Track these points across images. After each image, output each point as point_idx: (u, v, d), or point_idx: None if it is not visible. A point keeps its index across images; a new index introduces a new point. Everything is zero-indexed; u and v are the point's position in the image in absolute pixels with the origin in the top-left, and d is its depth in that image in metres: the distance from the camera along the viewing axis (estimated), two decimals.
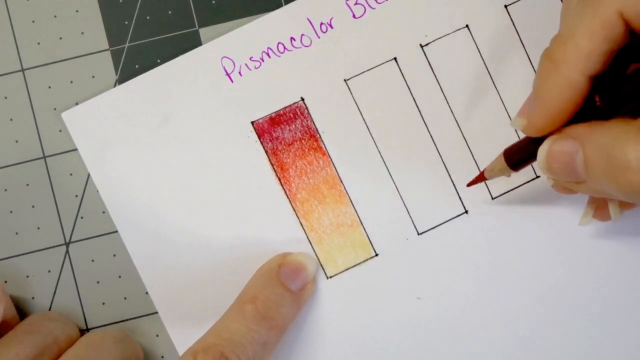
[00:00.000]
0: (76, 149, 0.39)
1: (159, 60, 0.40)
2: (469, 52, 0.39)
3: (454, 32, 0.39)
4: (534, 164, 0.33)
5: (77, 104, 0.40)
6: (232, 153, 0.39)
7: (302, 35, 0.39)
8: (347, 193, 0.39)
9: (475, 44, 0.39)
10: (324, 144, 0.39)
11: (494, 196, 0.39)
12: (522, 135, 0.34)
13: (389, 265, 0.39)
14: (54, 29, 0.40)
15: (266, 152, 0.39)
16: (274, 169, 0.39)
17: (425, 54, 0.39)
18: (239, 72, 0.39)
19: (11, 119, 0.40)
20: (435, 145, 0.39)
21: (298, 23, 0.39)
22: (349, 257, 0.39)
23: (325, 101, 0.39)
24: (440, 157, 0.39)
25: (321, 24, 0.39)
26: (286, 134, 0.39)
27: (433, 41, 0.39)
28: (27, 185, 0.40)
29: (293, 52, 0.39)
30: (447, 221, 0.39)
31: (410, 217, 0.39)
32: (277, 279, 0.37)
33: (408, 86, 0.39)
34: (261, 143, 0.39)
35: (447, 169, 0.39)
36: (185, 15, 0.40)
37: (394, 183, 0.39)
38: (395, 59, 0.39)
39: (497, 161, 0.36)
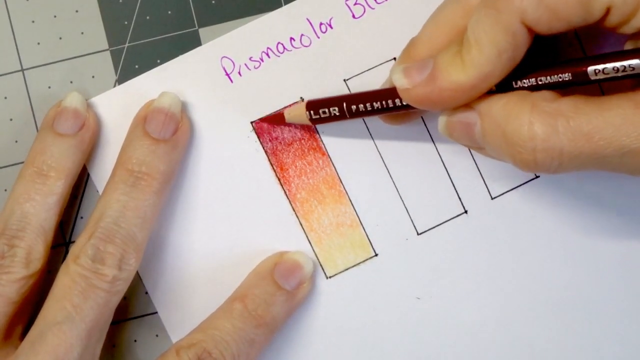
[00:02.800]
0: None
1: (158, 60, 0.40)
2: None
3: None
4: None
5: None
6: (231, 153, 0.39)
7: (302, 35, 0.39)
8: (346, 193, 0.39)
9: None
10: (324, 144, 0.39)
11: (493, 196, 0.39)
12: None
13: (389, 265, 0.39)
14: (54, 29, 0.40)
15: (266, 152, 0.39)
16: (273, 169, 0.39)
17: None
18: (239, 72, 0.39)
19: (11, 119, 0.40)
20: (435, 145, 0.39)
21: (297, 23, 0.39)
22: (349, 257, 0.39)
23: None
24: (440, 156, 0.39)
25: (321, 24, 0.39)
26: (286, 134, 0.39)
27: None
28: None
29: (293, 52, 0.39)
30: (446, 221, 0.39)
31: (410, 217, 0.39)
32: (270, 277, 0.37)
33: None
34: (261, 143, 0.39)
35: (447, 168, 0.39)
36: (185, 15, 0.40)
37: (394, 183, 0.39)
38: (395, 58, 0.39)
39: (298, 108, 0.37)
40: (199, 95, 0.39)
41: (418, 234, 0.39)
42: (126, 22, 0.40)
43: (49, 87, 0.40)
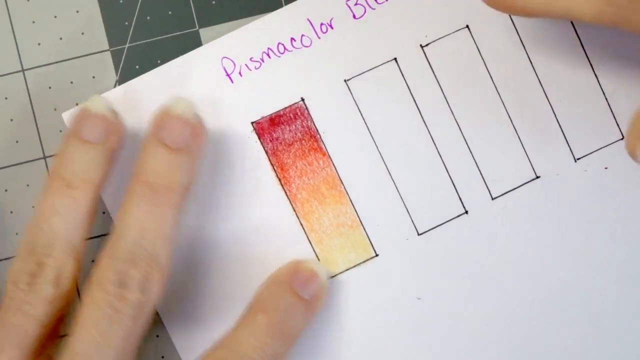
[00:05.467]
0: None
1: (159, 61, 0.40)
2: (469, 53, 0.39)
3: (454, 32, 0.39)
4: None
5: (77, 104, 0.40)
6: (231, 153, 0.39)
7: (302, 35, 0.39)
8: (347, 193, 0.39)
9: (476, 44, 0.39)
10: (324, 145, 0.39)
11: (494, 196, 0.39)
12: None
13: (389, 265, 0.39)
14: (54, 29, 0.40)
15: (266, 152, 0.39)
16: (274, 169, 0.39)
17: (425, 55, 0.39)
18: (239, 73, 0.39)
19: (11, 119, 0.40)
20: (436, 146, 0.39)
21: (298, 23, 0.39)
22: (349, 257, 0.39)
23: (326, 102, 0.39)
24: (440, 157, 0.39)
25: (321, 24, 0.39)
26: (286, 134, 0.39)
27: (433, 41, 0.39)
28: (27, 185, 0.40)
29: (293, 53, 0.39)
30: (447, 221, 0.39)
31: (410, 217, 0.39)
32: (289, 287, 0.36)
33: (408, 86, 0.39)
34: (261, 143, 0.39)
35: (447, 169, 0.39)
36: (185, 16, 0.40)
37: (394, 183, 0.39)
38: (395, 59, 0.39)
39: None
40: (199, 95, 0.39)
41: (419, 234, 0.39)
42: (126, 23, 0.40)
43: (49, 87, 0.40)
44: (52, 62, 0.40)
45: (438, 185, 0.39)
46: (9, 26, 0.40)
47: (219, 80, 0.39)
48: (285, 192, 0.39)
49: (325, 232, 0.39)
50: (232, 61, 0.39)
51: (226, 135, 0.39)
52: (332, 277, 0.39)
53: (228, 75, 0.39)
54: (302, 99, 0.39)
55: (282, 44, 0.39)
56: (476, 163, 0.39)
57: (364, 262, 0.39)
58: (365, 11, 0.39)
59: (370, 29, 0.39)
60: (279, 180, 0.39)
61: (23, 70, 0.40)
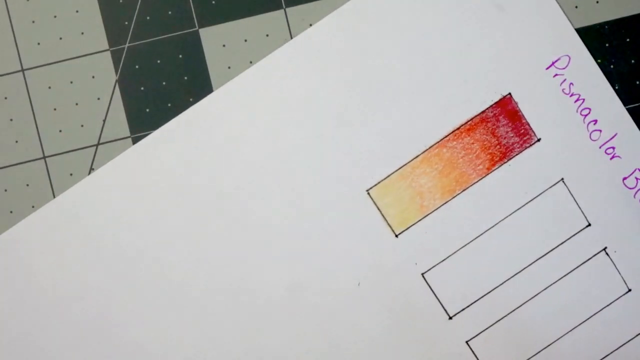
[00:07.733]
0: (76, 149, 0.39)
1: (159, 61, 0.40)
2: None
3: None
4: None
5: (77, 104, 0.40)
6: (475, 82, 0.39)
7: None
8: (455, 197, 0.39)
9: None
10: (500, 168, 0.39)
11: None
12: None
13: (393, 253, 0.39)
14: (54, 29, 0.40)
15: (482, 111, 0.39)
16: (466, 119, 0.39)
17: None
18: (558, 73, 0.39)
19: (11, 119, 0.40)
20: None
21: None
22: (389, 209, 0.39)
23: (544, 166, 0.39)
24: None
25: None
26: (503, 130, 0.39)
27: None
28: (27, 185, 0.40)
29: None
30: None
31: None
32: None
33: None
34: (490, 104, 0.39)
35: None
36: (185, 15, 0.40)
37: (467, 249, 0.39)
38: None
39: None
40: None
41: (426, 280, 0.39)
42: (126, 22, 0.40)
43: (49, 87, 0.40)
44: (51, 61, 0.40)
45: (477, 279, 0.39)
46: (8, 26, 0.40)
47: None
48: (443, 135, 0.39)
49: (410, 182, 0.39)
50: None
51: (480, 79, 0.39)
52: (370, 191, 0.39)
53: (553, 64, 0.39)
54: (539, 139, 0.39)
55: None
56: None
57: (387, 225, 0.39)
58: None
59: None
60: (454, 127, 0.39)
61: (23, 70, 0.40)
